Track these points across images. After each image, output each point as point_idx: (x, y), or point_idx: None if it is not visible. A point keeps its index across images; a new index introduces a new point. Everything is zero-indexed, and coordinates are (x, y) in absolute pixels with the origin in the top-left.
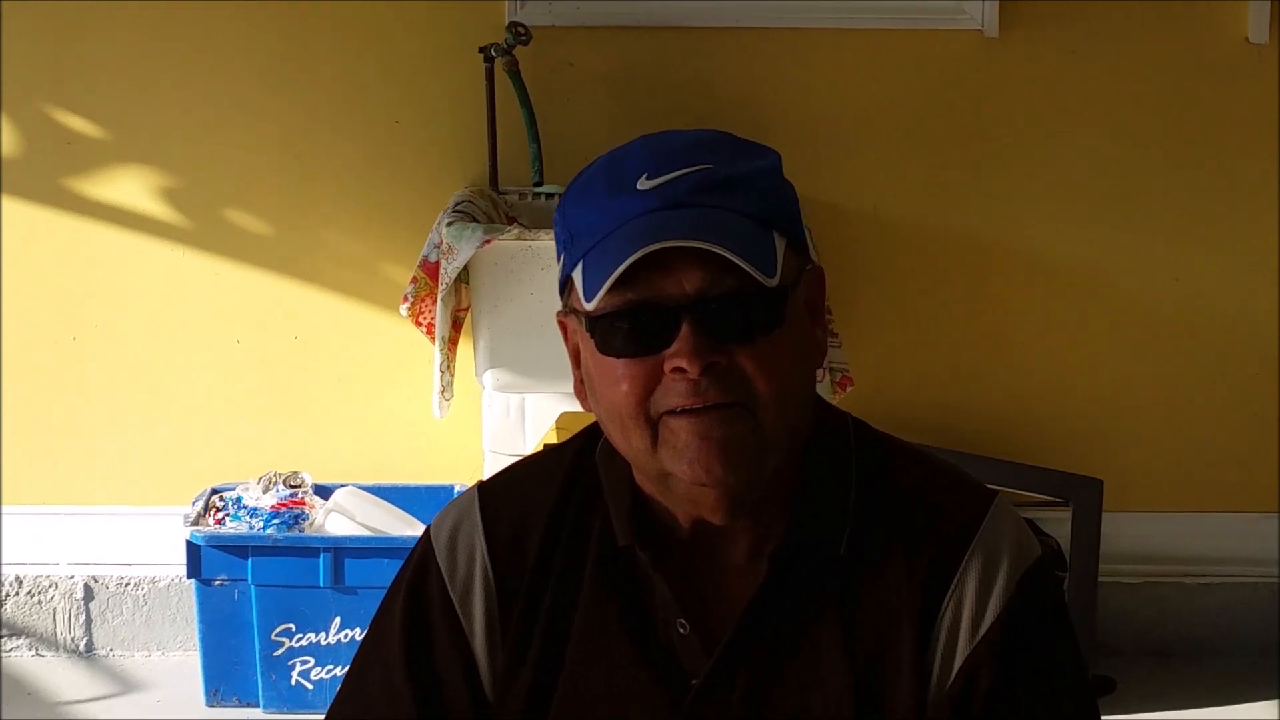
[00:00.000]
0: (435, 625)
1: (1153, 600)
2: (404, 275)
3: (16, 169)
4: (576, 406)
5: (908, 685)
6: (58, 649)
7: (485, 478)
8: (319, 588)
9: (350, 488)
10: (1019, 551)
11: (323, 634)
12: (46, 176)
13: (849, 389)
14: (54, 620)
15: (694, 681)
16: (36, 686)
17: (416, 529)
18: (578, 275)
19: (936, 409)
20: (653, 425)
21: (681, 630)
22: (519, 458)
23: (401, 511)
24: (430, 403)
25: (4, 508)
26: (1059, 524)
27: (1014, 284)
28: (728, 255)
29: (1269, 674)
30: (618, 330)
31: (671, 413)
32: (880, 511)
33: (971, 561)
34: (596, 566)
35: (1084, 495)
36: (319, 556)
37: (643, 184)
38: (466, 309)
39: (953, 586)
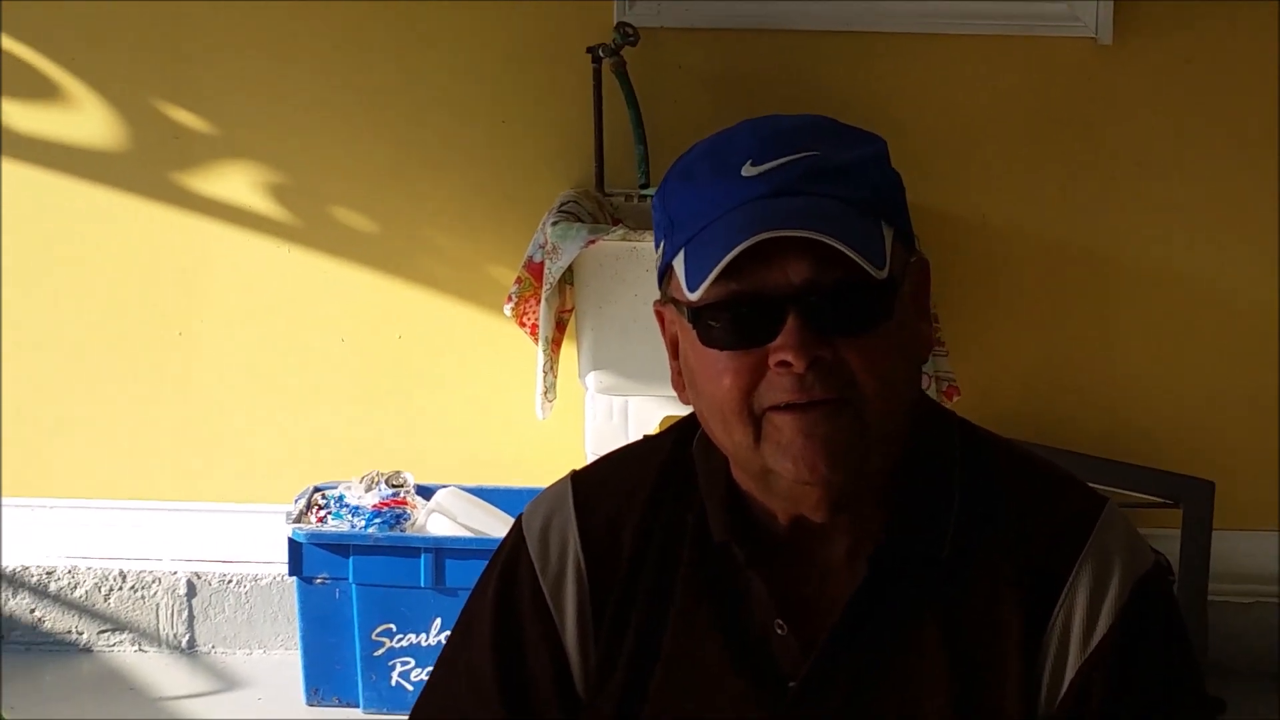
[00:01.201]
0: (525, 617)
1: (1262, 622)
2: (508, 276)
3: (124, 163)
4: (680, 410)
5: (1015, 696)
6: (160, 645)
7: (578, 467)
8: (420, 588)
9: (452, 488)
10: (1132, 559)
11: (423, 635)
12: (154, 171)
13: (955, 399)
14: (157, 616)
15: (791, 684)
16: (138, 682)
17: None
18: (679, 264)
19: (1043, 419)
20: (755, 421)
21: (779, 631)
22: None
23: (503, 513)
24: (533, 404)
25: (110, 503)
26: (1166, 542)
27: (1123, 294)
28: (838, 246)
29: None
30: (721, 322)
31: (775, 408)
32: (985, 513)
33: (1083, 570)
34: (691, 563)
35: (1195, 496)
36: (420, 557)
37: (748, 170)
38: (570, 310)
39: (1063, 596)
